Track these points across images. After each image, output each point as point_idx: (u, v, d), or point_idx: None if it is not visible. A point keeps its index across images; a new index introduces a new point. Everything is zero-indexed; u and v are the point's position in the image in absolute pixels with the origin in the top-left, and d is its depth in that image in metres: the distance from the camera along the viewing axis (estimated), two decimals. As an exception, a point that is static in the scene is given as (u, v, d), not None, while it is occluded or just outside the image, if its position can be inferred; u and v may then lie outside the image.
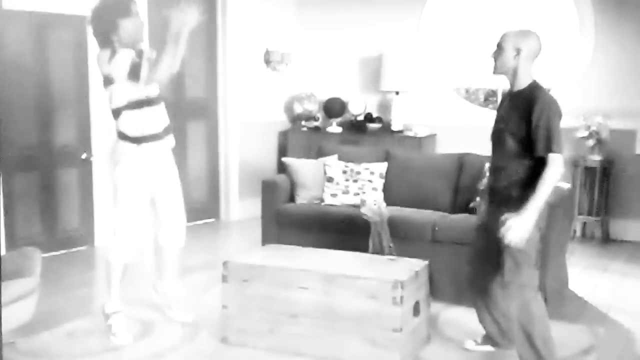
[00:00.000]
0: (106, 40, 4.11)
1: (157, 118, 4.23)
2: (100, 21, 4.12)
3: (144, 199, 4.25)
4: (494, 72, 3.61)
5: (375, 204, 4.87)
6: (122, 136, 4.18)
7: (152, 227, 4.41)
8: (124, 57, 4.05)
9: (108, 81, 4.13)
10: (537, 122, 3.38)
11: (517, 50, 3.49)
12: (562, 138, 3.43)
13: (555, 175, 3.37)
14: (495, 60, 3.56)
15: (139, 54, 4.14)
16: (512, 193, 3.49)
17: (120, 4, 4.14)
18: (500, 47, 3.54)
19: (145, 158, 4.20)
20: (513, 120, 3.49)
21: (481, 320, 3.96)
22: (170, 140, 4.34)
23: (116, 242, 4.23)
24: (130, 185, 4.18)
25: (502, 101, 3.72)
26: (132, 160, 4.18)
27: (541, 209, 3.39)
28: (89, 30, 4.21)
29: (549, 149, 3.36)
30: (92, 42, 6.02)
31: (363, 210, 4.89)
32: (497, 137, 3.60)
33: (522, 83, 3.52)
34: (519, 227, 3.32)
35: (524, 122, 3.43)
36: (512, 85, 3.58)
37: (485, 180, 4.57)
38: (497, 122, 3.63)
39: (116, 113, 4.19)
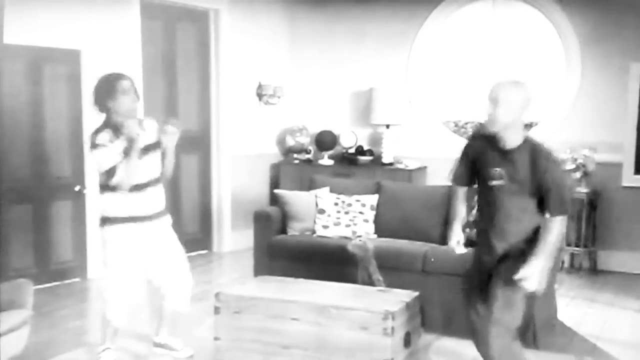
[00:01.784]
0: (102, 122, 4.12)
1: (147, 201, 4.14)
2: (95, 101, 4.12)
3: (135, 270, 4.18)
4: (493, 129, 3.42)
5: (360, 240, 4.93)
6: (107, 216, 4.14)
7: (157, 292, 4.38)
8: (104, 156, 4.01)
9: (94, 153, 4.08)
10: (549, 183, 3.36)
11: (512, 105, 3.33)
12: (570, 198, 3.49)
13: (560, 233, 3.42)
14: (492, 116, 3.38)
15: (140, 124, 4.11)
16: (522, 246, 3.49)
17: (107, 84, 4.10)
18: (493, 100, 3.36)
19: (135, 235, 4.13)
20: (521, 178, 3.41)
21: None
22: (166, 220, 4.28)
23: (109, 306, 4.21)
24: (119, 260, 4.13)
25: (488, 154, 3.55)
26: (120, 236, 4.12)
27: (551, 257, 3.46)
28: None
29: (564, 208, 3.40)
30: (87, 76, 6.18)
31: (349, 247, 4.95)
32: (500, 192, 3.50)
33: (516, 140, 3.41)
34: (537, 274, 3.36)
35: (533, 180, 3.39)
36: (503, 140, 3.43)
37: (474, 212, 4.62)
38: (495, 178, 3.51)
39: (100, 189, 4.16)
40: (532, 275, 3.35)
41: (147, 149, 4.11)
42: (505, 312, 3.50)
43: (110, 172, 4.03)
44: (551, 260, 3.45)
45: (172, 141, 4.15)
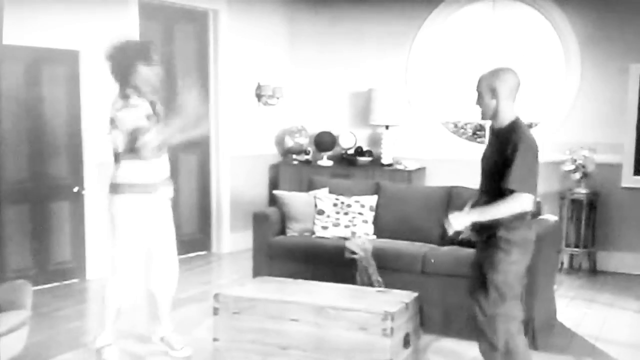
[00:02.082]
0: (124, 82, 4.14)
1: (155, 170, 4.23)
2: (120, 62, 4.12)
3: (139, 243, 4.26)
4: (482, 119, 3.62)
5: (359, 238, 4.93)
6: (119, 183, 4.20)
7: (144, 273, 4.42)
8: (134, 116, 4.08)
9: (114, 125, 4.16)
10: (509, 159, 3.39)
11: (493, 91, 3.46)
12: (530, 176, 3.41)
13: (513, 209, 3.39)
14: (479, 107, 3.56)
15: (152, 105, 4.19)
16: (496, 230, 3.51)
17: (142, 49, 4.17)
18: (478, 92, 3.53)
19: (141, 206, 4.20)
20: (494, 159, 3.51)
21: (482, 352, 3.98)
22: (168, 191, 4.36)
23: (114, 282, 4.26)
24: (126, 230, 4.20)
25: (489, 139, 3.77)
26: (128, 207, 4.18)
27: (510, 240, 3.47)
28: (107, 67, 4.18)
29: (514, 186, 3.37)
30: (85, 76, 6.18)
31: (347, 244, 4.94)
32: (483, 174, 3.63)
33: (503, 121, 3.51)
34: (456, 221, 3.46)
35: (501, 160, 3.44)
36: (494, 124, 3.57)
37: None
38: (482, 160, 3.66)
39: (115, 157, 4.23)
40: (456, 218, 3.46)
41: (149, 119, 4.16)
42: (500, 305, 3.50)
43: (135, 133, 4.05)
44: (473, 219, 3.48)
45: (190, 110, 4.16)
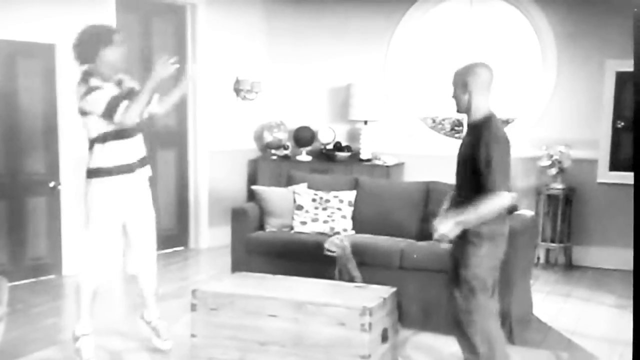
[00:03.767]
0: (85, 70, 4.13)
1: (131, 150, 4.24)
2: (82, 49, 4.14)
3: (116, 227, 4.27)
4: (458, 112, 3.67)
5: (337, 237, 4.93)
6: (95, 167, 4.19)
7: (122, 255, 4.43)
8: (101, 95, 4.07)
9: (83, 113, 4.15)
10: (482, 158, 3.42)
11: (465, 86, 3.53)
12: (506, 174, 3.42)
13: (495, 208, 3.42)
14: (454, 100, 3.63)
15: (118, 83, 4.18)
16: (477, 229, 3.52)
17: (102, 32, 4.17)
18: (453, 86, 3.62)
19: (118, 188, 4.21)
20: (467, 154, 3.55)
21: (461, 345, 4.00)
22: (146, 171, 4.36)
23: (87, 266, 4.24)
24: (102, 213, 4.20)
25: (465, 133, 3.81)
26: (104, 190, 4.19)
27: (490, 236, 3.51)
28: (73, 56, 4.19)
29: (495, 186, 3.39)
30: (62, 70, 6.12)
31: (327, 245, 4.94)
32: (457, 168, 3.67)
33: (477, 115, 3.56)
34: (442, 226, 3.48)
35: (472, 154, 3.48)
36: (469, 118, 3.62)
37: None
38: (457, 154, 3.69)
39: (90, 143, 4.22)
40: (442, 223, 3.49)
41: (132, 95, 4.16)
42: (472, 299, 3.53)
43: (108, 111, 4.05)
44: (460, 226, 3.48)
45: (159, 75, 4.17)
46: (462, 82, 3.55)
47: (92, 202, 4.21)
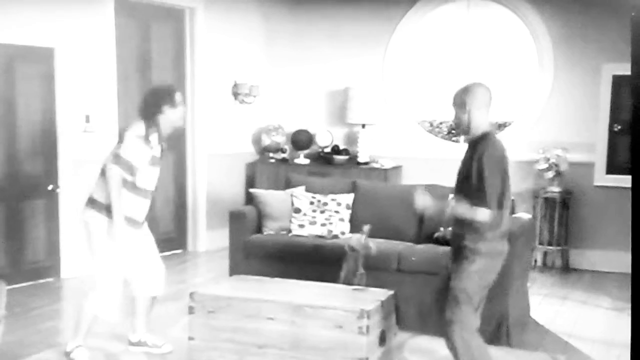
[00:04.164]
0: (149, 123, 4.23)
1: (143, 207, 4.30)
2: (148, 104, 4.28)
3: (120, 264, 4.26)
4: (461, 135, 3.75)
5: (363, 237, 4.82)
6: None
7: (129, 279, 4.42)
8: (148, 152, 4.20)
9: (117, 160, 4.15)
10: (475, 173, 3.50)
11: (464, 105, 3.59)
12: (495, 192, 3.46)
13: (482, 218, 3.48)
14: (456, 121, 3.69)
15: (162, 148, 4.33)
16: (463, 240, 3.58)
17: (168, 92, 4.31)
18: (453, 107, 3.67)
19: (124, 238, 4.18)
20: (466, 170, 3.60)
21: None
22: (145, 227, 4.43)
23: (96, 296, 4.22)
24: (106, 251, 4.19)
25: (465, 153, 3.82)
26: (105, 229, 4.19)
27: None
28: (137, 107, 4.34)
29: (488, 205, 3.46)
30: (60, 74, 6.13)
31: (350, 242, 4.84)
32: (457, 185, 3.70)
33: (476, 132, 3.62)
34: (420, 198, 3.71)
35: (469, 170, 3.55)
36: (468, 136, 3.69)
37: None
38: (457, 172, 3.71)
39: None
40: (422, 196, 3.72)
41: (156, 161, 4.28)
42: (455, 311, 3.56)
43: (132, 169, 4.16)
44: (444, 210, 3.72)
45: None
46: (460, 101, 3.61)
47: (94, 236, 4.21)
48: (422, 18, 7.66)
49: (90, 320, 4.27)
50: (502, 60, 7.39)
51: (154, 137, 4.22)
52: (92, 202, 4.21)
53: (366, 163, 7.57)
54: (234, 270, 5.44)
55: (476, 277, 3.55)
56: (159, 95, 4.29)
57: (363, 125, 7.64)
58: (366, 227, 4.73)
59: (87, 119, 6.37)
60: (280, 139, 8.00)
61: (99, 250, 4.19)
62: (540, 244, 7.00)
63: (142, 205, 4.27)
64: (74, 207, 5.86)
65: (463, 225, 3.58)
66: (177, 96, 4.31)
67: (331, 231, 5.57)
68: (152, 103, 4.25)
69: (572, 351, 4.68)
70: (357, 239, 4.86)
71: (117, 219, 4.08)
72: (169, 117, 4.25)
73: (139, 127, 4.20)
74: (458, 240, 3.62)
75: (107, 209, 4.12)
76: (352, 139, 7.84)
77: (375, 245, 4.83)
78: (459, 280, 3.56)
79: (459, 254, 3.60)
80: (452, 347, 3.62)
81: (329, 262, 4.94)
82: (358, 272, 4.79)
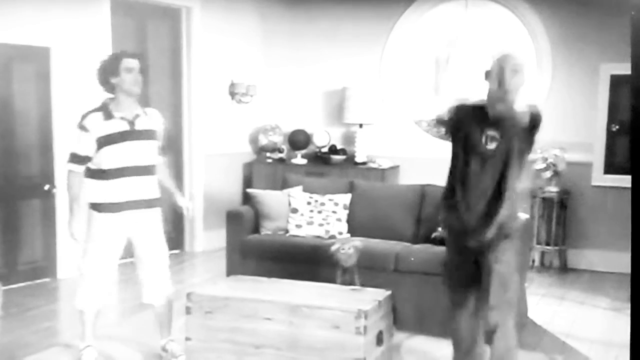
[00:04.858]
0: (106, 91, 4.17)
1: (140, 185, 4.22)
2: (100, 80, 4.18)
3: (114, 257, 4.22)
4: (498, 107, 3.71)
5: (347, 249, 4.78)
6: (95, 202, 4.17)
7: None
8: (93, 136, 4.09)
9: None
10: (527, 147, 3.67)
11: (522, 71, 3.73)
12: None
13: (526, 187, 3.54)
14: (511, 85, 3.78)
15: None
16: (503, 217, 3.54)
17: (113, 60, 4.19)
18: (503, 73, 3.79)
19: (119, 222, 4.16)
20: (516, 145, 3.61)
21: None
22: (155, 211, 4.37)
23: (82, 291, 4.20)
24: (100, 246, 4.16)
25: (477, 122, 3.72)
26: (104, 229, 4.15)
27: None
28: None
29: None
30: (57, 73, 6.11)
31: (333, 250, 4.81)
32: (483, 168, 3.64)
33: (516, 105, 3.66)
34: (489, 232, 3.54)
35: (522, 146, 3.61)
36: (508, 106, 3.70)
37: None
38: (487, 143, 3.64)
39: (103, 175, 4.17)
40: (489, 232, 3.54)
41: (141, 134, 4.15)
42: (507, 293, 3.52)
43: (84, 159, 4.10)
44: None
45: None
46: (519, 67, 3.66)
47: (91, 235, 4.18)
48: (420, 17, 7.65)
49: (91, 318, 4.23)
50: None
51: (117, 111, 4.10)
52: (90, 205, 4.19)
53: (364, 163, 7.56)
54: (231, 270, 5.43)
55: (516, 254, 3.54)
56: (108, 60, 4.17)
57: (360, 125, 7.63)
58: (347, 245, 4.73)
59: (84, 119, 6.34)
60: (278, 139, 7.99)
61: (93, 247, 4.16)
62: (538, 243, 6.99)
63: (117, 187, 4.11)
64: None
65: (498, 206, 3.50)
66: (125, 62, 4.14)
67: (328, 231, 5.55)
68: (100, 76, 4.14)
69: (570, 351, 4.68)
70: (343, 252, 4.75)
71: (73, 224, 4.11)
72: (124, 80, 4.11)
73: (97, 105, 4.14)
74: (489, 220, 3.53)
75: (103, 207, 4.11)
76: (349, 138, 7.83)
77: (358, 250, 4.77)
78: (504, 261, 3.50)
79: (498, 234, 3.53)
80: (504, 335, 3.53)
81: (326, 262, 4.92)
82: (355, 277, 4.76)
